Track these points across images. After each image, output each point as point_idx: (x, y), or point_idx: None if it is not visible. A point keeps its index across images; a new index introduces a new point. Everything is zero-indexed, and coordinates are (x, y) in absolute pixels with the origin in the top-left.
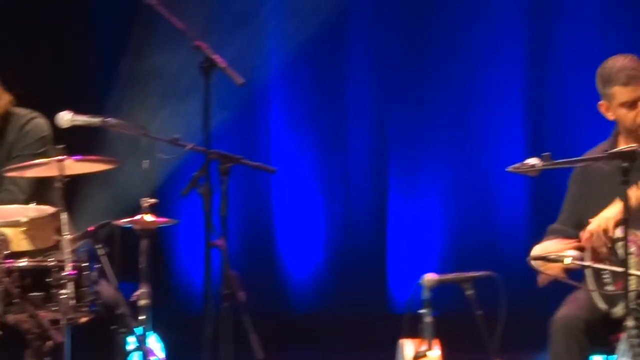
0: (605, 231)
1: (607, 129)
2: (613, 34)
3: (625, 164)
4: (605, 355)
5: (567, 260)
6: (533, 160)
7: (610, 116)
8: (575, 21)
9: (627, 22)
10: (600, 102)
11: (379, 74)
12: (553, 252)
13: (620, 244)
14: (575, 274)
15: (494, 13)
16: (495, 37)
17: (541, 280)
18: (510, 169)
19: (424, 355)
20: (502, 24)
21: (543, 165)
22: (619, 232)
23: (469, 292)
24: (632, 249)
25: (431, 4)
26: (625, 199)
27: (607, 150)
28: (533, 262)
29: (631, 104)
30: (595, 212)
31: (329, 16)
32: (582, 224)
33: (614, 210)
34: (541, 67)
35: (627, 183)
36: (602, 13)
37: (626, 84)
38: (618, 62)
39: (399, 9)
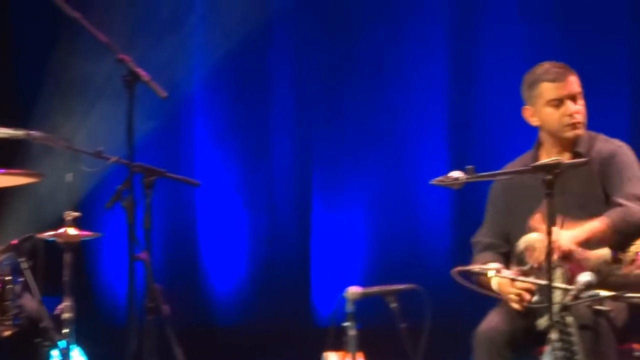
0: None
1: (529, 141)
2: (536, 45)
3: (549, 177)
4: None
5: (491, 273)
6: (456, 173)
7: (534, 121)
8: (499, 34)
9: (549, 31)
10: (525, 107)
11: (303, 86)
12: (476, 265)
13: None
14: None
15: (419, 25)
16: (420, 50)
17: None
18: (434, 181)
19: None
20: (427, 37)
21: (466, 178)
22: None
23: (393, 305)
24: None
25: (356, 16)
26: (550, 211)
27: (528, 163)
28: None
29: (558, 102)
30: (519, 223)
31: (253, 28)
32: (507, 236)
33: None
34: (465, 80)
35: (551, 196)
36: (524, 24)
37: (554, 80)
38: (545, 65)
39: (323, 20)
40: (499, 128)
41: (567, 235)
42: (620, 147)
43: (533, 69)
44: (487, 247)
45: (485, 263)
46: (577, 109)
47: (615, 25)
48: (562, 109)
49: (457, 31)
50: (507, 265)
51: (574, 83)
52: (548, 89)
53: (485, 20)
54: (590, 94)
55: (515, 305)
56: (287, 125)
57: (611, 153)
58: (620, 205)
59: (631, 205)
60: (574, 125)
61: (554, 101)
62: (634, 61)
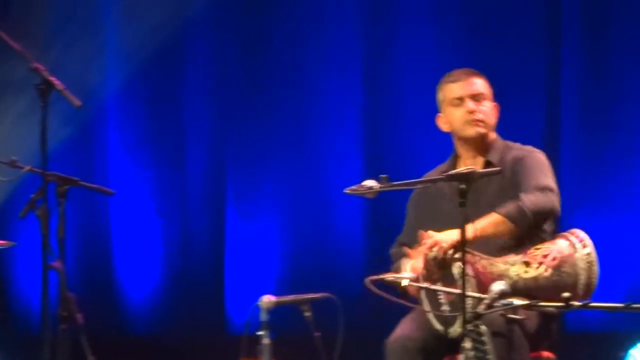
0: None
1: (445, 152)
2: (449, 54)
3: (463, 186)
4: None
5: (404, 282)
6: (370, 182)
7: (445, 128)
8: (412, 43)
9: (462, 41)
10: (438, 115)
11: (217, 95)
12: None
13: (457, 264)
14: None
15: (332, 35)
16: (333, 59)
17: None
18: (347, 190)
19: None
20: (340, 46)
21: (380, 187)
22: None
23: (307, 314)
24: (469, 270)
25: (270, 26)
26: (463, 220)
27: (446, 172)
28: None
29: (459, 101)
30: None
31: (168, 37)
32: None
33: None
34: (379, 90)
35: (464, 205)
36: (438, 33)
37: (455, 81)
38: (456, 70)
39: (237, 30)
40: (413, 136)
41: (449, 235)
42: (530, 152)
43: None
44: (405, 256)
45: (398, 272)
46: (479, 108)
47: (529, 27)
48: (463, 107)
49: (371, 39)
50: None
51: (477, 84)
52: (450, 89)
53: (398, 26)
54: (503, 96)
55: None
56: (201, 133)
57: (522, 157)
58: (517, 198)
59: (529, 195)
60: (475, 123)
61: (456, 100)
62: (547, 62)
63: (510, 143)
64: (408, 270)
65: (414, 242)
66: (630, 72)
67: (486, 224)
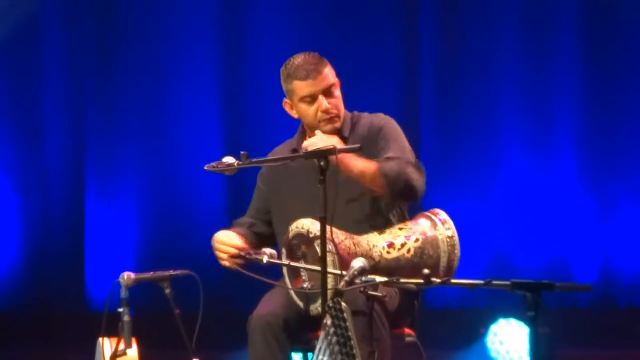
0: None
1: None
2: (306, 31)
3: (322, 162)
4: (304, 353)
5: (265, 259)
6: (230, 159)
7: (294, 114)
8: (268, 20)
9: (319, 18)
10: (285, 100)
11: (76, 72)
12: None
13: (318, 241)
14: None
15: (189, 9)
16: (190, 35)
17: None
18: (207, 167)
19: (123, 354)
20: (197, 21)
21: (239, 164)
22: (317, 231)
23: (167, 291)
24: (330, 247)
25: (128, 3)
26: (323, 198)
27: (295, 147)
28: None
29: (311, 99)
30: (284, 207)
31: (25, 11)
32: (267, 219)
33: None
34: (236, 66)
35: (324, 182)
36: (295, 10)
37: (305, 78)
38: (298, 59)
39: (97, 7)
40: (272, 114)
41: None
42: (384, 119)
43: (287, 62)
44: (240, 225)
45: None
46: (331, 104)
47: (385, 3)
48: (315, 105)
49: (227, 14)
50: (261, 245)
51: (326, 77)
52: (300, 87)
53: (255, 6)
54: (361, 74)
55: (225, 263)
56: (60, 110)
57: (378, 125)
58: (393, 159)
59: (411, 168)
60: (329, 120)
61: (307, 98)
62: (401, 51)
63: (356, 113)
64: None
65: (254, 214)
66: (485, 50)
67: (360, 164)
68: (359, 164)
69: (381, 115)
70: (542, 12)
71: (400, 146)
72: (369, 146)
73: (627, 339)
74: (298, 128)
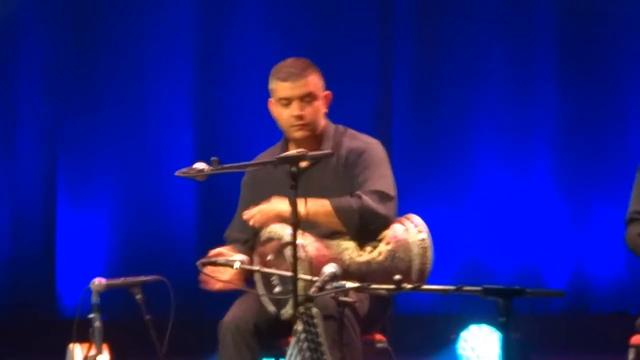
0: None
1: (277, 135)
2: (280, 36)
3: (293, 169)
4: (275, 359)
5: (237, 265)
6: (201, 165)
7: (274, 114)
8: (244, 25)
9: (293, 23)
10: (270, 100)
11: (49, 78)
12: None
13: (289, 247)
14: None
15: (164, 17)
16: (165, 41)
17: (214, 286)
18: (178, 173)
19: None
20: (172, 28)
21: (211, 170)
22: (287, 236)
23: (138, 297)
24: (302, 253)
25: (103, 10)
26: (294, 203)
27: (277, 155)
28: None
29: (287, 102)
30: None
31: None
32: (256, 230)
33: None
34: (210, 72)
35: (295, 187)
36: (270, 14)
37: (285, 79)
38: (288, 61)
39: (72, 14)
40: (244, 120)
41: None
42: (368, 144)
43: (279, 63)
44: (236, 242)
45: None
46: (305, 112)
47: (361, 9)
48: (289, 109)
49: (202, 22)
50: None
51: (308, 84)
52: (279, 88)
53: (231, 11)
54: (335, 78)
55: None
56: (32, 117)
57: (358, 150)
58: (357, 196)
59: (366, 198)
60: (299, 127)
61: (284, 100)
62: (379, 44)
63: (341, 128)
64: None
65: (244, 227)
66: (460, 55)
67: (317, 211)
68: (319, 217)
69: (367, 138)
70: (520, 17)
71: (377, 172)
72: (347, 169)
73: (598, 345)
74: (283, 135)
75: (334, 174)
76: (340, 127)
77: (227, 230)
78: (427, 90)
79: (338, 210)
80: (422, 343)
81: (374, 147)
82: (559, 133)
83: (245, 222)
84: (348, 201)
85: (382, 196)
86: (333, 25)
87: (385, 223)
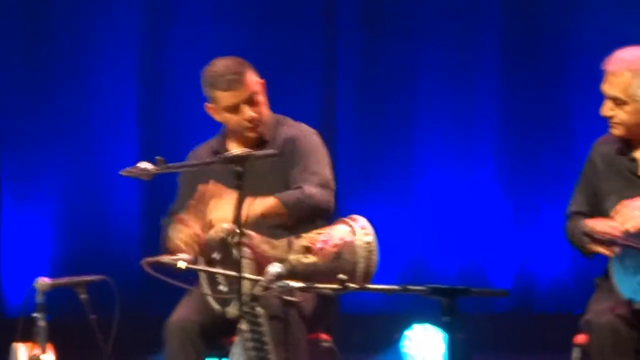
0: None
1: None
2: (224, 36)
3: (239, 168)
4: (220, 359)
5: (181, 264)
6: (146, 164)
7: (217, 118)
8: (187, 25)
9: (237, 22)
10: (207, 104)
11: None
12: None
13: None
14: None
15: (109, 17)
16: (107, 39)
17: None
18: (123, 172)
19: (38, 359)
20: (117, 25)
21: (156, 169)
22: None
23: (83, 296)
24: (247, 253)
25: (46, 5)
26: (239, 203)
27: (216, 148)
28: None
29: (234, 109)
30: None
31: None
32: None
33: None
34: (154, 71)
35: (241, 187)
36: (214, 15)
37: (227, 89)
38: (220, 67)
39: (16, 11)
40: (188, 120)
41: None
42: (304, 132)
43: (209, 67)
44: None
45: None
46: (255, 112)
47: (305, 8)
48: (239, 115)
49: (147, 19)
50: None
51: (248, 85)
52: (223, 97)
53: (175, 9)
54: (280, 77)
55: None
56: None
57: (295, 137)
58: (298, 187)
59: (307, 187)
60: (253, 128)
61: (230, 107)
62: (323, 43)
63: (280, 117)
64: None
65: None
66: (403, 55)
67: (263, 207)
68: (265, 212)
69: (303, 126)
70: (463, 16)
71: (314, 160)
72: (284, 157)
73: (543, 345)
74: (220, 129)
75: (271, 163)
76: (279, 116)
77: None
78: (371, 90)
79: (286, 205)
80: (367, 342)
81: (310, 135)
82: (503, 132)
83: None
84: (293, 194)
85: (322, 184)
86: (276, 26)
87: (328, 210)
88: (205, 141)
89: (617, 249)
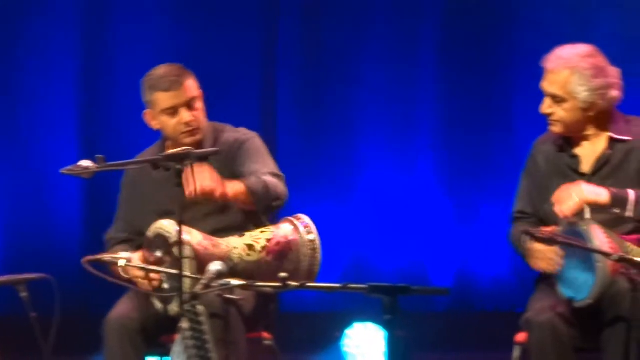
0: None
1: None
2: (164, 38)
3: (179, 167)
4: (160, 357)
5: (122, 262)
6: (86, 162)
7: (155, 125)
8: (127, 27)
9: (175, 24)
10: (146, 111)
11: None
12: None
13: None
14: None
15: (49, 12)
16: (47, 37)
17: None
18: (64, 170)
19: None
20: (57, 23)
21: (97, 168)
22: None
23: (23, 294)
24: (189, 252)
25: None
26: (181, 202)
27: (156, 155)
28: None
29: (172, 111)
30: (150, 217)
31: None
32: (140, 229)
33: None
34: (94, 69)
35: (180, 185)
36: (152, 15)
37: (167, 89)
38: (161, 70)
39: None
40: (130, 119)
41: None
42: (247, 135)
43: (150, 73)
44: (122, 242)
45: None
46: (192, 117)
47: (242, 18)
48: (177, 118)
49: (88, 18)
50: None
51: (188, 89)
52: (162, 99)
53: (117, 9)
54: (218, 79)
55: (146, 287)
56: None
57: (239, 141)
58: (257, 177)
59: (266, 177)
60: (190, 133)
61: (169, 110)
62: (262, 43)
63: (218, 125)
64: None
65: (128, 228)
66: (344, 53)
67: (237, 191)
68: (233, 194)
69: (244, 130)
70: (404, 13)
71: (261, 158)
72: (229, 161)
73: (483, 343)
74: (159, 138)
75: (216, 169)
76: (218, 124)
77: (109, 232)
78: (311, 88)
79: (251, 189)
80: (308, 340)
81: (254, 138)
82: (443, 130)
83: (126, 221)
84: (258, 182)
85: (278, 175)
86: (215, 25)
87: (285, 200)
88: (144, 150)
89: (559, 266)
